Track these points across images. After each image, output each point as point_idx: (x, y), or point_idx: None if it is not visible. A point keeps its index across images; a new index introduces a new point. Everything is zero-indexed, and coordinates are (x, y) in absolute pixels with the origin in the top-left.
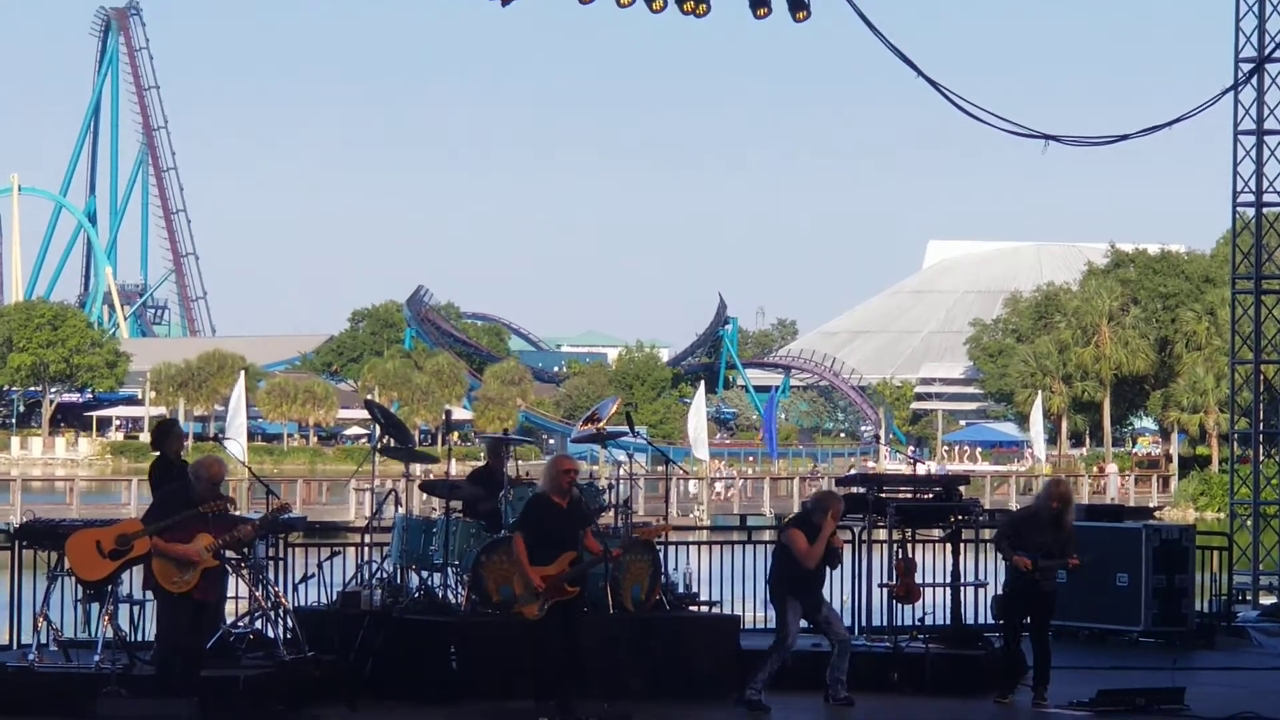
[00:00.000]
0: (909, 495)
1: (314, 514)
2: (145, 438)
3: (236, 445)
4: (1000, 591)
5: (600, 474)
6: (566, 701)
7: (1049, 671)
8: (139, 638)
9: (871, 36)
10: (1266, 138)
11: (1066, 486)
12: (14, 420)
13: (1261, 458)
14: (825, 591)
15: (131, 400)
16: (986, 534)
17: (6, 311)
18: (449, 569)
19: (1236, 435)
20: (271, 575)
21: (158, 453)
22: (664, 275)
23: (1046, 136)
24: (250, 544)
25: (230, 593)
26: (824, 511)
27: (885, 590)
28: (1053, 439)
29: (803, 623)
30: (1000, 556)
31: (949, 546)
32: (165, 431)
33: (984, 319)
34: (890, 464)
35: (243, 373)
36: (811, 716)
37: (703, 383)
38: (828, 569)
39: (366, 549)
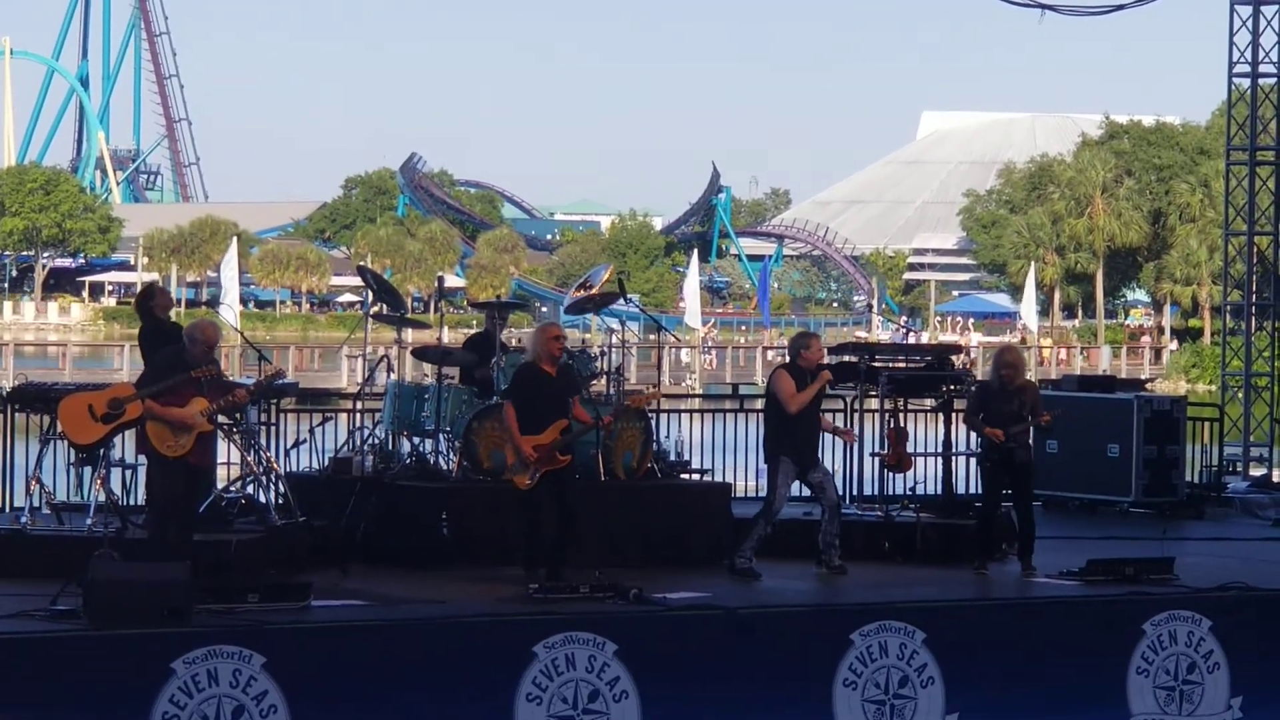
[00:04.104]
0: (901, 364)
1: (306, 380)
2: None
3: (229, 311)
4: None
5: (593, 342)
6: (557, 569)
7: (1033, 541)
8: (131, 501)
9: None
10: (1263, 8)
11: (1014, 353)
12: (6, 285)
13: (1253, 330)
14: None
15: (124, 266)
16: None
17: None
18: (440, 435)
19: (1229, 307)
20: (264, 440)
21: (143, 319)
22: (658, 144)
23: (1042, 6)
24: (243, 409)
25: (222, 458)
26: (799, 352)
27: (877, 459)
28: (1045, 310)
29: (794, 487)
30: (973, 432)
31: (940, 416)
32: (147, 295)
33: (977, 190)
34: (882, 334)
35: (235, 239)
36: (804, 584)
37: (696, 251)
38: (821, 426)
39: (358, 415)
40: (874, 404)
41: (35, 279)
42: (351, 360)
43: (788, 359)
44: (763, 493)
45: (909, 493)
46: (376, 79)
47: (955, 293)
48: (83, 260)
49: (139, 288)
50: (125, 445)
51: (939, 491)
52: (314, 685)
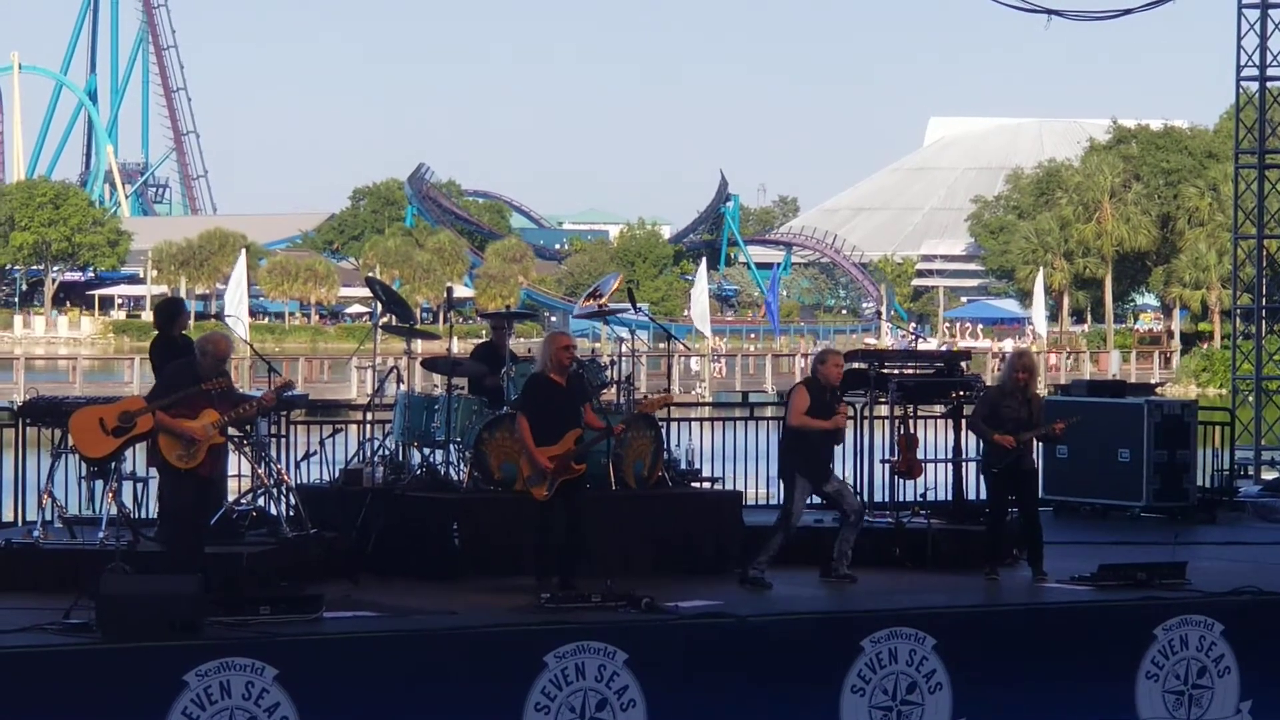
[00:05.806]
0: (911, 371)
1: (316, 392)
2: (148, 316)
3: (239, 323)
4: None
5: (602, 351)
6: (569, 578)
7: (1042, 547)
8: (143, 514)
9: None
10: (1271, 11)
11: (1030, 358)
12: (16, 299)
13: (1264, 333)
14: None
15: (133, 279)
16: None
17: (8, 190)
18: (451, 446)
19: (1239, 311)
20: (274, 452)
21: (161, 330)
22: (666, 152)
23: (1049, 11)
24: (253, 421)
25: (233, 470)
26: (822, 365)
27: (887, 466)
28: (1054, 315)
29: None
30: (979, 438)
31: (950, 422)
32: (175, 311)
33: (985, 195)
34: (891, 340)
35: (244, 251)
36: (813, 591)
37: (704, 260)
38: (837, 443)
39: (368, 426)
40: (884, 411)
41: (45, 293)
42: (361, 371)
43: (810, 374)
44: (774, 500)
45: (920, 499)
46: (384, 90)
47: (964, 299)
48: (92, 274)
49: (149, 300)
50: (137, 458)
51: (950, 498)
52: (326, 697)
